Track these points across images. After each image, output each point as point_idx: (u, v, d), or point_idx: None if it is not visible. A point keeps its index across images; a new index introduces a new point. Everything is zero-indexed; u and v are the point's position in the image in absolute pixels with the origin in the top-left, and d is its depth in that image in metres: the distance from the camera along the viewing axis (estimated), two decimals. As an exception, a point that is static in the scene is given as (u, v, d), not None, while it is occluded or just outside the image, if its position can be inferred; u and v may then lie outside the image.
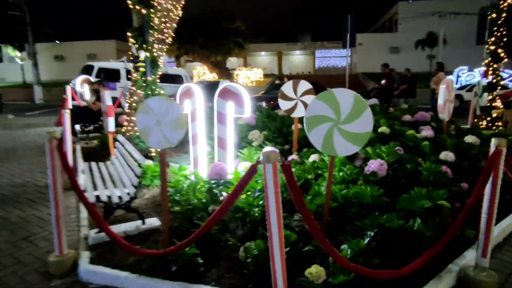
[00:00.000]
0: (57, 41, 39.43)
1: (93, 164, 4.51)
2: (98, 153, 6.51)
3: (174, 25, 6.59)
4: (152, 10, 5.34)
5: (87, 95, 8.49)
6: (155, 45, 5.48)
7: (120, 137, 4.44)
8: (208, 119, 4.69)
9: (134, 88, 6.16)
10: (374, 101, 6.80)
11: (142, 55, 5.26)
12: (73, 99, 8.43)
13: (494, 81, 7.49)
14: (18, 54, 33.22)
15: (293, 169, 3.28)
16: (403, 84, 11.09)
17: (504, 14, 7.14)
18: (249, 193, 3.28)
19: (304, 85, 4.73)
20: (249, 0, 50.31)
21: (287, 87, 4.77)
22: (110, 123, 5.55)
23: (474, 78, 22.53)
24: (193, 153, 4.43)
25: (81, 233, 3.44)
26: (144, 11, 5.26)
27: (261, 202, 3.10)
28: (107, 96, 5.66)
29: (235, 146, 4.37)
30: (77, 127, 7.92)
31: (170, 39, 6.49)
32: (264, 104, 10.06)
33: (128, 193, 3.35)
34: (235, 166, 4.10)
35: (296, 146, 4.87)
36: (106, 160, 4.75)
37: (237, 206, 3.10)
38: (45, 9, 44.23)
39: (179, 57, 32.31)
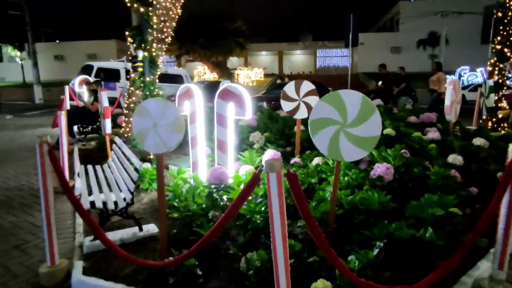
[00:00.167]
0: (57, 41, 39.36)
1: (90, 167, 4.37)
2: (96, 154, 6.40)
3: (174, 24, 6.46)
4: (150, 8, 5.20)
5: (86, 96, 8.37)
6: (154, 45, 5.34)
7: (117, 139, 4.30)
8: (208, 120, 4.56)
9: (132, 88, 6.03)
10: (378, 102, 6.66)
11: (140, 54, 5.12)
12: (71, 99, 8.31)
13: (500, 81, 7.34)
14: (18, 53, 33.20)
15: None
16: (400, 84, 11.10)
17: (510, 13, 6.99)
18: (250, 198, 3.14)
19: (307, 85, 4.60)
20: (250, 0, 50.17)
21: (289, 88, 4.64)
22: (107, 125, 5.42)
23: (476, 78, 22.38)
24: (192, 156, 4.29)
25: (76, 241, 3.30)
26: (142, 9, 5.13)
27: (263, 208, 2.96)
28: (104, 97, 5.51)
29: (236, 148, 4.23)
30: (75, 128, 7.80)
31: (169, 38, 6.36)
32: (265, 104, 9.95)
33: (124, 199, 3.22)
34: (235, 170, 3.97)
35: (298, 149, 4.73)
36: (104, 162, 4.62)
37: (238, 213, 2.95)
38: (45, 9, 44.21)
39: (180, 56, 32.27)
